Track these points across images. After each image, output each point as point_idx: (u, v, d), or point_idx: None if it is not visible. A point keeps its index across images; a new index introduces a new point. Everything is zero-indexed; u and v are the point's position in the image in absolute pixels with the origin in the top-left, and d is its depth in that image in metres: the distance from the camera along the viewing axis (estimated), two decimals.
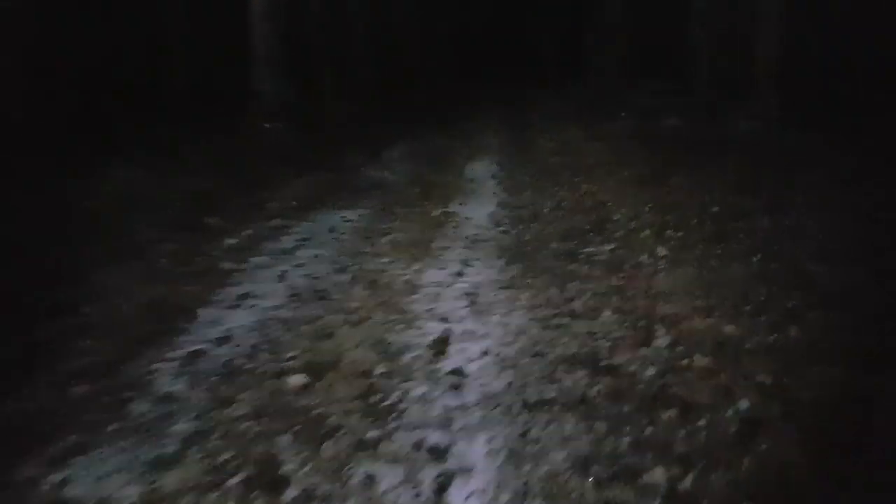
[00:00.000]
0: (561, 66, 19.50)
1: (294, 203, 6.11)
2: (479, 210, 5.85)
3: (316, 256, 4.59)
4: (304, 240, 5.02)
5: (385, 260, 4.44)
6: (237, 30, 9.45)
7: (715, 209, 5.06)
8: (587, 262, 4.41)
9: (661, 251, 4.31)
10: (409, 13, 15.59)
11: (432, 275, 4.14)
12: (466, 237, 5.02)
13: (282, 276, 4.20)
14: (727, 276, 3.70)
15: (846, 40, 9.18)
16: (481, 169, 7.75)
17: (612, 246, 4.75)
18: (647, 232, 4.78)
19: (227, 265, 4.44)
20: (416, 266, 4.30)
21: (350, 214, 5.81)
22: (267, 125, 9.28)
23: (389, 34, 14.45)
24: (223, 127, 8.37)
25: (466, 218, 5.57)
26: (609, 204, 5.79)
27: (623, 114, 11.25)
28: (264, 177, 6.90)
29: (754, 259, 3.92)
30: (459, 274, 4.16)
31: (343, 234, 5.20)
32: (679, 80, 12.16)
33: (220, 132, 8.14)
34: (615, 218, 5.36)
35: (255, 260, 4.54)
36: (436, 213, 5.72)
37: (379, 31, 13.43)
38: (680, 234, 4.60)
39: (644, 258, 4.32)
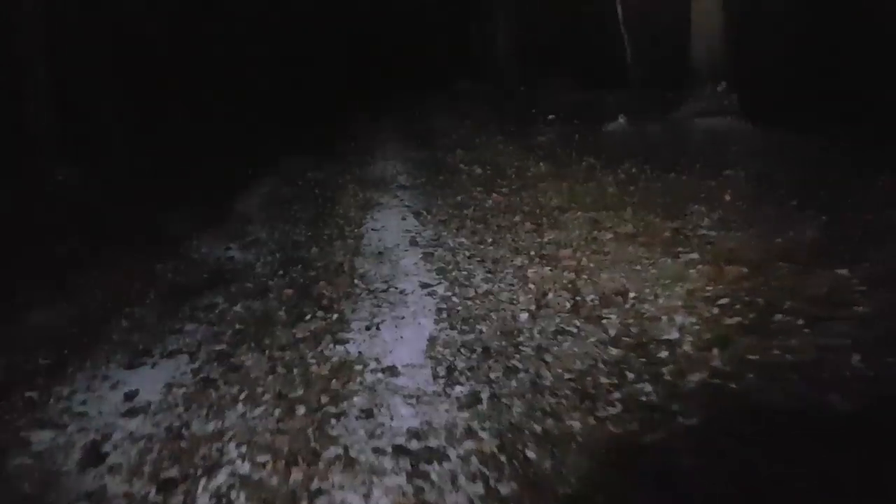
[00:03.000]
0: (449, 60, 17.03)
1: (39, 361, 3.11)
2: (404, 339, 3.08)
3: None
4: None
5: None
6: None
7: (857, 304, 2.59)
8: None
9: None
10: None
11: None
12: (397, 448, 2.26)
13: None
14: None
15: (792, 26, 7.38)
16: (390, 227, 4.91)
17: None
18: None
19: None
20: None
21: (149, 380, 2.91)
22: (58, 178, 6.04)
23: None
24: None
25: (383, 371, 2.78)
26: (632, 295, 3.24)
27: (550, 116, 8.82)
28: (12, 279, 3.82)
29: None
30: None
31: (115, 464, 2.31)
32: (594, 72, 10.13)
33: None
34: (666, 336, 2.81)
35: None
36: (324, 365, 2.87)
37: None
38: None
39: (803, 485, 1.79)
